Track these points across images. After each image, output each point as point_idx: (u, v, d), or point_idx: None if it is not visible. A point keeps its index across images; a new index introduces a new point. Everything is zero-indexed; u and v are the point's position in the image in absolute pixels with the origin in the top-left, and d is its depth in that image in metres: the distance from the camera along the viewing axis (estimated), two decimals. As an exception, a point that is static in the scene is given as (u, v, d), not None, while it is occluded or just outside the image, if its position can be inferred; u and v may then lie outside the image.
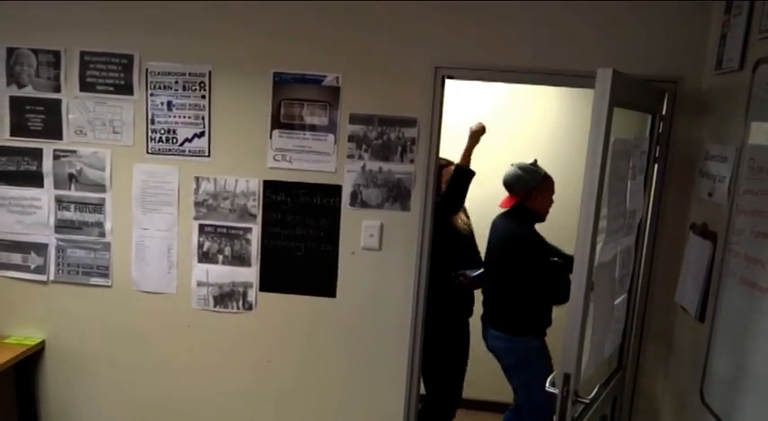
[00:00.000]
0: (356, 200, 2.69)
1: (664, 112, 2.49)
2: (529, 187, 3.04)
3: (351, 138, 2.67)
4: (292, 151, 2.71)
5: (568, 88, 3.62)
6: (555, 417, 1.85)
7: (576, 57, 2.51)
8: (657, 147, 2.50)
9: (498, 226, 3.14)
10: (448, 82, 2.65)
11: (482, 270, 3.07)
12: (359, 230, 2.69)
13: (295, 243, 2.73)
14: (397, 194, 2.67)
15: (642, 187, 2.44)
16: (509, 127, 3.85)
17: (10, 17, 2.74)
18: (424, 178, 2.65)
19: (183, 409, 2.92)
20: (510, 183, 3.08)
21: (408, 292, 2.70)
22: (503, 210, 3.15)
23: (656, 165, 2.52)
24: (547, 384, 1.95)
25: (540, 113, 3.88)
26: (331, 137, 2.68)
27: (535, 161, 3.14)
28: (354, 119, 2.66)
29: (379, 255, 2.70)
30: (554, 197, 3.31)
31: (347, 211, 2.70)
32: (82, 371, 2.94)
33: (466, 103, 3.76)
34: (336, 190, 2.69)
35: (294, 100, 2.68)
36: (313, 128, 2.69)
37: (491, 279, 3.07)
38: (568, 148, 3.78)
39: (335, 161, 2.69)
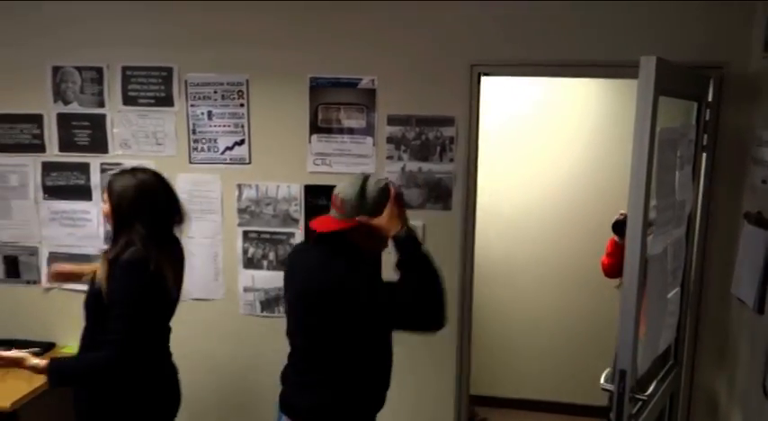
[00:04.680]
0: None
1: (710, 99, 2.42)
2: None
3: (389, 140, 2.67)
4: (332, 155, 2.72)
5: (609, 79, 3.56)
6: (612, 415, 1.81)
7: (616, 46, 2.46)
8: (705, 135, 2.43)
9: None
10: (487, 79, 2.63)
11: None
12: (401, 231, 2.68)
13: (338, 246, 2.73)
14: (438, 194, 2.65)
15: (690, 177, 2.37)
16: (549, 124, 3.80)
17: (54, 37, 2.83)
18: (465, 177, 2.63)
19: (231, 413, 2.96)
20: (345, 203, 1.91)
21: (454, 291, 2.68)
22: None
23: (704, 154, 2.45)
24: (602, 381, 1.91)
25: (582, 107, 3.80)
26: (369, 139, 2.69)
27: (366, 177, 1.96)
28: (392, 120, 2.66)
29: (423, 255, 2.69)
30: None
31: (389, 213, 2.69)
32: (135, 379, 3.00)
33: (505, 101, 3.72)
34: (377, 192, 2.69)
35: (331, 104, 2.70)
36: (351, 131, 2.70)
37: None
38: (612, 142, 3.70)
39: (375, 163, 2.69)
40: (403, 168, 2.67)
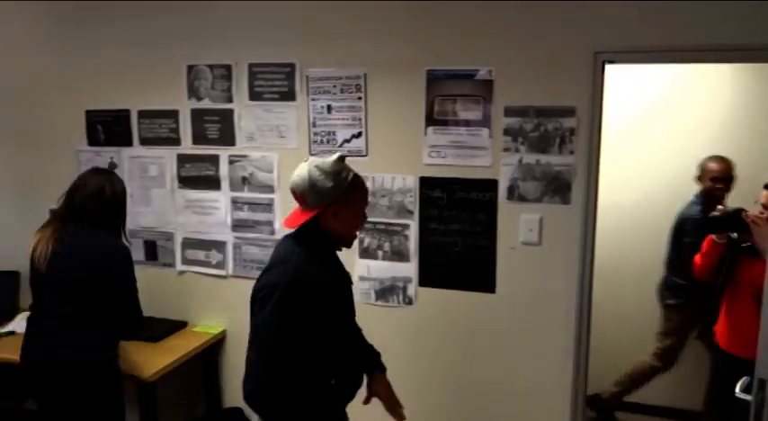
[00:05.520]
0: (513, 194, 2.64)
1: None
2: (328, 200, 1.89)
3: (506, 132, 2.62)
4: (447, 147, 2.72)
5: (745, 64, 3.29)
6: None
7: (757, 28, 2.25)
8: None
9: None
10: (608, 67, 2.51)
11: None
12: (517, 225, 2.64)
13: (452, 238, 2.74)
14: (556, 187, 2.58)
15: None
16: (675, 113, 3.57)
17: (189, 38, 3.03)
18: (586, 169, 2.53)
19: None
20: (300, 192, 1.91)
21: (572, 288, 2.61)
22: None
23: None
24: (737, 390, 1.77)
25: (713, 95, 3.53)
26: (485, 131, 2.65)
27: (341, 158, 1.93)
28: (509, 111, 2.61)
29: (539, 249, 2.63)
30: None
31: (504, 206, 2.66)
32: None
33: (627, 89, 3.54)
34: (493, 184, 2.66)
35: (447, 96, 2.69)
36: (467, 123, 2.68)
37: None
38: (746, 131, 3.42)
39: (491, 155, 2.66)
40: (520, 160, 2.61)
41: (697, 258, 2.78)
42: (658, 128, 3.59)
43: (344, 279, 2.11)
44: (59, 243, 2.45)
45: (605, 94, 2.55)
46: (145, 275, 3.28)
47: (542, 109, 2.56)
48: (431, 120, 2.72)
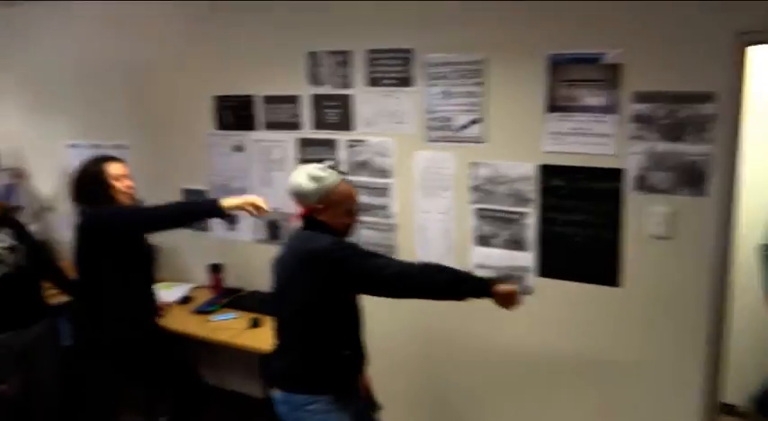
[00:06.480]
0: (642, 184, 2.52)
1: None
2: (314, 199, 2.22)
3: (634, 119, 2.49)
4: (568, 134, 2.63)
5: None
6: None
7: None
8: None
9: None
10: (753, 48, 2.32)
11: None
12: (645, 217, 2.52)
13: (573, 229, 2.66)
14: (690, 178, 2.43)
15: None
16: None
17: (309, 26, 3.11)
18: (725, 159, 2.37)
19: (473, 391, 3.09)
20: (291, 193, 2.28)
21: (705, 288, 2.46)
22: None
23: None
24: None
25: None
26: (611, 117, 2.54)
27: (328, 166, 2.28)
28: (638, 97, 2.47)
29: (669, 244, 2.49)
30: None
31: (631, 196, 2.54)
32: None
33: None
34: (618, 174, 2.55)
35: (570, 81, 2.59)
36: (591, 109, 2.57)
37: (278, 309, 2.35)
38: None
39: (616, 143, 2.54)
40: (650, 149, 2.48)
41: None
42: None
43: None
44: None
45: (748, 77, 2.36)
46: (267, 254, 3.46)
47: (676, 95, 2.41)
48: (552, 107, 2.64)
